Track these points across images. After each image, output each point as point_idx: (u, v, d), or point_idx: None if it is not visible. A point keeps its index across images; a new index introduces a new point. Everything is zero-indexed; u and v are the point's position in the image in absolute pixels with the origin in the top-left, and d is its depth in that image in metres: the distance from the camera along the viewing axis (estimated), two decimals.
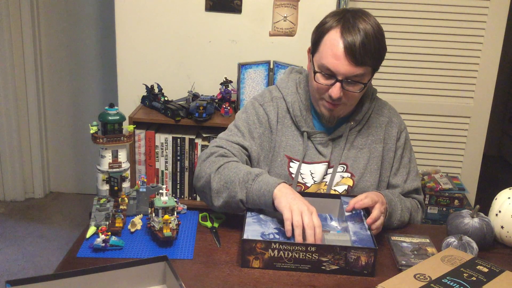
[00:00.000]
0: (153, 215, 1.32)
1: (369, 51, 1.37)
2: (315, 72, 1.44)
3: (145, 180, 1.43)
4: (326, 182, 1.53)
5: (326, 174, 1.53)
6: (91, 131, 1.40)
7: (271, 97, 1.57)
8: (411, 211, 1.51)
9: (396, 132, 1.57)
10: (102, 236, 1.26)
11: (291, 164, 1.52)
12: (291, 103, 1.54)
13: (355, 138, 1.55)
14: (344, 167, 1.53)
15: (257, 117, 1.55)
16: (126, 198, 1.40)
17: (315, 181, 1.52)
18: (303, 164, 1.52)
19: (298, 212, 1.26)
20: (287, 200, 1.29)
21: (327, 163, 1.53)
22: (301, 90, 1.55)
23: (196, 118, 2.37)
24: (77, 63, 3.32)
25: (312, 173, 1.52)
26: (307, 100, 1.54)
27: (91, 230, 1.32)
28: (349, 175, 1.53)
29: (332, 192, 1.52)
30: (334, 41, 1.38)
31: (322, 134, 1.53)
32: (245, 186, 1.35)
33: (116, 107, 1.43)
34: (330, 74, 1.41)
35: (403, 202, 1.50)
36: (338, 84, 1.40)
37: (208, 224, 1.42)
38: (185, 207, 1.51)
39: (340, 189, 1.52)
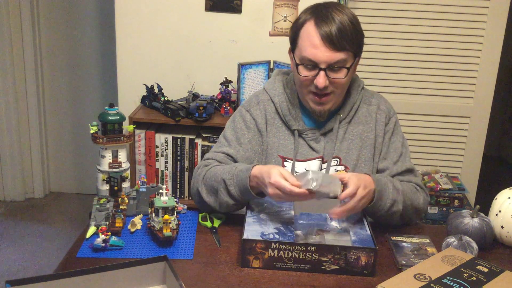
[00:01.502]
0: (153, 215, 1.32)
1: (346, 35, 1.39)
2: (297, 65, 1.45)
3: (145, 180, 1.43)
4: None
5: (320, 169, 1.54)
6: (91, 131, 1.40)
7: (257, 101, 1.59)
8: (407, 193, 1.46)
9: (385, 118, 1.57)
10: (102, 236, 1.26)
11: (285, 163, 1.53)
12: (279, 103, 1.56)
13: (346, 130, 1.55)
14: (337, 161, 1.54)
15: (244, 123, 1.57)
16: (126, 198, 1.40)
17: None
18: (297, 162, 1.53)
19: (275, 193, 1.29)
20: (264, 188, 1.33)
21: (320, 159, 1.53)
22: (289, 90, 1.57)
23: (196, 118, 2.37)
24: (77, 63, 3.31)
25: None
26: (295, 98, 1.56)
27: (91, 230, 1.33)
28: (343, 167, 1.54)
29: None
30: (311, 32, 1.41)
31: (313, 130, 1.54)
32: (228, 193, 1.41)
33: (116, 107, 1.43)
34: (312, 64, 1.42)
35: (394, 181, 1.45)
36: (322, 73, 1.41)
37: (208, 224, 1.42)
38: (185, 207, 1.51)
39: None
